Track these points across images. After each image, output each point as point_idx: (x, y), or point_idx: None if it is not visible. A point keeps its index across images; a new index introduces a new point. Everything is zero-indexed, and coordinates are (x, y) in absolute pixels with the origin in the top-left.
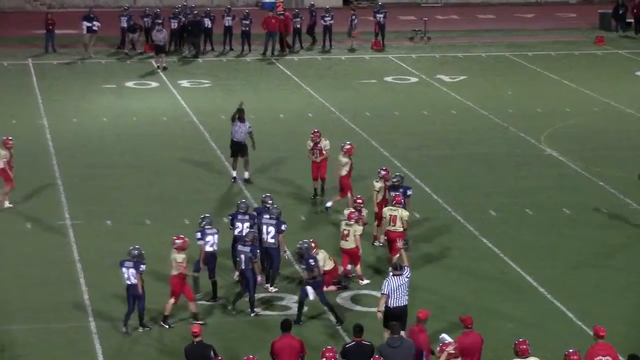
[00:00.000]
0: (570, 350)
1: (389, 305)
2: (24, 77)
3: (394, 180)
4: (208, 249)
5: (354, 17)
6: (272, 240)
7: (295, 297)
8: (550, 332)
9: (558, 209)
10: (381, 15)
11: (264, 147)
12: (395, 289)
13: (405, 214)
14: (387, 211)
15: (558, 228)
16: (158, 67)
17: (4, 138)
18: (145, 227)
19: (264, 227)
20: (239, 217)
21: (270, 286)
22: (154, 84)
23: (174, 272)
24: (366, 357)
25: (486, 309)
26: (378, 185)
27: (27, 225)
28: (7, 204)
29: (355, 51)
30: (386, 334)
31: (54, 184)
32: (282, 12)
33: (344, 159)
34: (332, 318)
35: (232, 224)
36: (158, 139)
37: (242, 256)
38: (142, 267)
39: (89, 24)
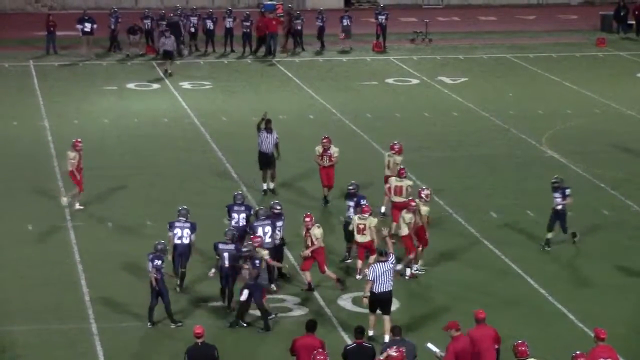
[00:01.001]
0: (578, 352)
1: (374, 290)
2: (25, 79)
3: (350, 187)
4: (176, 241)
5: (343, 19)
6: (270, 240)
7: (297, 299)
8: (550, 333)
9: None
10: (383, 17)
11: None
12: (380, 274)
13: (410, 183)
14: (393, 180)
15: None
16: (168, 72)
17: (74, 140)
18: (146, 229)
19: (260, 229)
20: (235, 208)
21: (271, 284)
22: (155, 86)
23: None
24: (367, 358)
25: (486, 311)
26: (408, 216)
27: (28, 226)
28: (77, 206)
29: (350, 52)
30: (372, 319)
31: (55, 185)
32: (282, 14)
33: (399, 158)
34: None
35: (229, 215)
36: (159, 140)
37: (226, 254)
38: (157, 262)
39: (81, 26)
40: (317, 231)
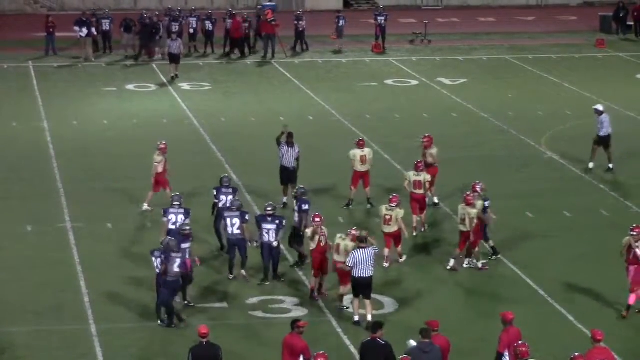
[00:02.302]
0: (577, 354)
1: (355, 275)
2: (24, 80)
3: (294, 192)
4: (170, 226)
5: (337, 19)
6: (238, 232)
7: (295, 300)
8: (550, 335)
9: (558, 212)
10: (382, 18)
11: (265, 150)
12: (360, 261)
13: (428, 177)
14: (411, 175)
15: (558, 231)
16: (175, 75)
17: (159, 143)
18: (146, 230)
19: (229, 220)
20: (223, 190)
21: (243, 271)
22: (154, 87)
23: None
24: (380, 353)
25: (486, 312)
26: (473, 211)
27: (28, 227)
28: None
29: (341, 53)
30: (356, 303)
31: (55, 186)
32: (273, 19)
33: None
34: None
35: (217, 197)
36: (158, 141)
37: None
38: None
39: (78, 28)
40: (325, 230)
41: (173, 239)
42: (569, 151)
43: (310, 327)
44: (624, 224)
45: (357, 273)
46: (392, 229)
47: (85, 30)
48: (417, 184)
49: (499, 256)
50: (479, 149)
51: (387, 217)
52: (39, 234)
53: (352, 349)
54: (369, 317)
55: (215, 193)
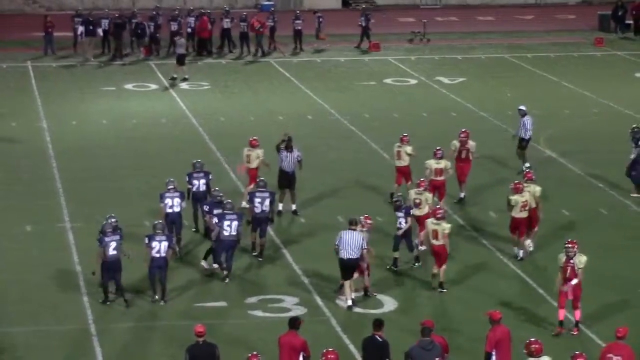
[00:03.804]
0: (577, 353)
1: (341, 256)
2: (23, 80)
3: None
4: (168, 210)
5: (320, 18)
6: (235, 233)
7: (295, 299)
8: (550, 334)
9: (557, 211)
10: (362, 18)
11: (265, 150)
12: (347, 242)
13: (449, 164)
14: (432, 163)
15: (557, 230)
16: (174, 77)
17: (252, 139)
18: (145, 230)
19: (226, 222)
20: (195, 175)
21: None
22: (153, 86)
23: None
24: (377, 349)
25: (485, 311)
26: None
27: (27, 227)
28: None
29: (323, 52)
30: (347, 287)
31: (54, 186)
32: (260, 27)
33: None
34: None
35: (190, 182)
36: (157, 141)
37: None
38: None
39: (83, 28)
40: None
41: (109, 222)
42: (568, 150)
43: (310, 326)
44: (623, 222)
45: (344, 254)
46: (422, 212)
47: (91, 28)
48: (439, 172)
49: (420, 264)
50: (478, 148)
51: (417, 200)
52: (38, 234)
53: (352, 348)
54: (350, 301)
55: (187, 178)
